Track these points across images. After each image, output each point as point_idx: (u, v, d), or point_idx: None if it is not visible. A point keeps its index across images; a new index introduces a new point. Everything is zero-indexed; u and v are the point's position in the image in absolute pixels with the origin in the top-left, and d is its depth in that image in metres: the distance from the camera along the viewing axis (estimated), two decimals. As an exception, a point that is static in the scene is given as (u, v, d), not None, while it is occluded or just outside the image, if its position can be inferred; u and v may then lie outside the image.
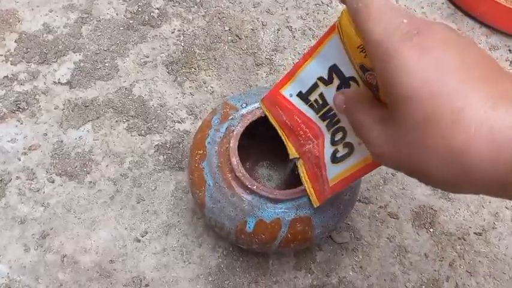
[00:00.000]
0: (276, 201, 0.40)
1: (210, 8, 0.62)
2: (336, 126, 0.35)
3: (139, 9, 0.61)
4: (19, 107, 0.54)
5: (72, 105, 0.54)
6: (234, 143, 0.41)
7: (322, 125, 0.36)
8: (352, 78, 0.32)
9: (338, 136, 0.35)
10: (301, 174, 0.39)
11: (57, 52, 0.57)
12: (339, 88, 0.33)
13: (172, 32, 0.60)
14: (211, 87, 0.58)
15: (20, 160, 0.51)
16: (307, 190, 0.39)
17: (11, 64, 0.56)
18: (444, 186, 0.23)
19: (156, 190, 0.50)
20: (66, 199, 0.49)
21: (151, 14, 0.61)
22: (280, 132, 0.40)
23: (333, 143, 0.35)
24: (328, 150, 0.36)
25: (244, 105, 0.44)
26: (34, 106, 0.54)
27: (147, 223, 0.49)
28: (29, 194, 0.49)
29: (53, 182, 0.50)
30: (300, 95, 0.36)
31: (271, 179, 0.52)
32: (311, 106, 0.36)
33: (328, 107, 0.35)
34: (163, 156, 0.52)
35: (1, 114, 0.53)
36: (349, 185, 0.35)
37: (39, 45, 0.58)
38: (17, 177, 0.50)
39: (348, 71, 0.32)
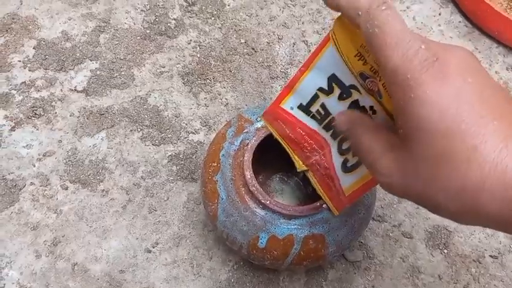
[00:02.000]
0: (289, 217, 0.40)
1: (227, 20, 0.63)
2: (342, 135, 0.35)
3: (157, 20, 0.62)
4: (35, 113, 0.54)
5: (87, 112, 0.55)
6: (248, 157, 0.41)
7: (327, 135, 0.36)
8: (353, 87, 0.32)
9: (346, 145, 0.35)
10: (315, 186, 0.39)
11: (74, 60, 0.58)
12: (340, 97, 0.33)
13: (188, 43, 0.61)
14: (226, 99, 0.58)
15: (34, 166, 0.51)
16: (325, 199, 0.38)
17: (29, 70, 0.57)
18: (451, 217, 0.23)
19: (168, 201, 0.50)
20: (78, 207, 0.49)
21: (168, 24, 0.62)
22: (285, 145, 0.39)
23: (341, 152, 0.35)
24: (337, 159, 0.36)
25: (259, 118, 0.44)
26: (50, 113, 0.54)
27: (158, 234, 0.49)
28: (42, 200, 0.49)
29: (66, 189, 0.50)
30: (300, 107, 0.36)
31: (284, 193, 0.52)
32: (313, 117, 0.36)
33: (331, 116, 0.34)
34: (176, 166, 0.52)
35: (18, 119, 0.53)
36: (366, 192, 0.35)
37: (57, 53, 0.58)
38: (31, 183, 0.50)
39: (348, 79, 0.32)
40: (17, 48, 0.58)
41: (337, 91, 0.33)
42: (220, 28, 0.62)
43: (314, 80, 0.34)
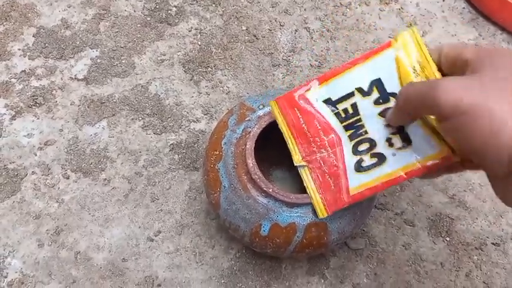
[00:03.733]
0: (291, 205, 0.40)
1: (228, 7, 0.62)
2: (361, 138, 0.35)
3: (157, 7, 0.61)
4: (36, 102, 0.54)
5: (88, 101, 0.54)
6: (250, 145, 0.41)
7: (344, 135, 0.36)
8: (393, 94, 0.33)
9: (363, 147, 0.35)
10: (306, 184, 0.38)
11: (74, 48, 0.57)
12: (376, 102, 0.34)
13: (189, 31, 0.60)
14: (227, 87, 0.57)
15: (36, 155, 0.51)
16: (313, 199, 0.38)
17: (29, 59, 0.56)
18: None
19: (170, 189, 0.50)
20: (80, 196, 0.49)
21: (169, 11, 0.61)
22: (287, 136, 0.38)
23: (356, 153, 0.35)
24: (350, 159, 0.35)
25: (261, 106, 0.44)
26: (51, 101, 0.54)
27: (161, 222, 0.49)
28: (44, 189, 0.49)
29: (68, 178, 0.50)
30: (327, 101, 0.36)
31: (286, 181, 0.51)
32: (336, 115, 0.36)
33: (357, 117, 0.35)
34: (178, 155, 0.52)
35: (18, 108, 0.53)
36: (377, 193, 0.35)
37: (57, 41, 0.58)
38: (33, 172, 0.50)
39: (392, 86, 0.33)
40: (17, 36, 0.57)
41: (375, 95, 0.34)
42: (221, 15, 0.61)
43: (356, 79, 0.34)
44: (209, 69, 0.58)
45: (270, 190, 0.39)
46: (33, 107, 0.53)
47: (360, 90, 0.34)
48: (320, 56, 0.60)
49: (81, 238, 0.47)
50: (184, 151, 0.52)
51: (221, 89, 0.57)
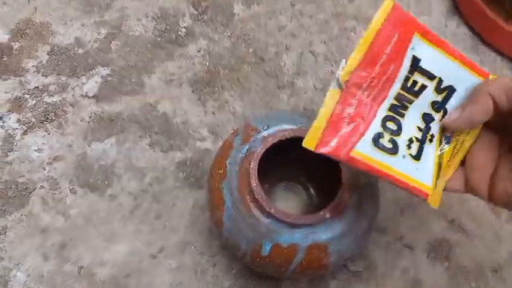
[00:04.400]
0: (293, 226, 0.41)
1: (236, 30, 0.64)
2: (397, 117, 0.33)
3: (168, 28, 0.63)
4: (47, 118, 0.55)
5: (97, 118, 0.56)
6: (254, 165, 0.42)
7: (391, 100, 0.33)
8: (445, 110, 0.34)
9: (391, 125, 0.33)
10: (324, 104, 0.32)
11: (86, 66, 0.59)
12: (433, 103, 0.34)
13: (198, 52, 0.62)
14: (233, 107, 0.59)
15: (45, 170, 0.52)
16: (314, 124, 0.32)
17: (42, 75, 0.58)
18: None
19: (174, 207, 0.51)
20: (86, 211, 0.50)
21: (179, 33, 0.63)
22: (364, 40, 0.31)
23: (383, 125, 0.32)
24: (376, 126, 0.32)
25: (266, 127, 0.45)
26: (62, 117, 0.56)
27: (164, 240, 0.50)
28: (51, 203, 0.51)
29: (75, 193, 0.51)
30: (415, 60, 0.32)
31: (288, 201, 0.52)
32: (405, 78, 0.33)
33: (412, 99, 0.33)
34: (183, 173, 0.53)
35: (30, 123, 0.55)
36: (369, 172, 0.32)
37: (70, 58, 0.59)
38: (41, 187, 0.51)
39: (452, 104, 0.34)
40: (31, 54, 0.59)
41: (439, 97, 0.34)
42: (229, 37, 0.63)
43: (447, 70, 0.33)
44: (216, 89, 0.60)
45: (272, 210, 0.40)
46: (45, 122, 0.55)
47: (439, 81, 0.33)
48: (324, 79, 0.61)
49: (85, 253, 0.48)
50: (189, 169, 0.54)
51: (227, 109, 0.59)
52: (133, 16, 0.63)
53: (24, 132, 0.54)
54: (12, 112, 0.55)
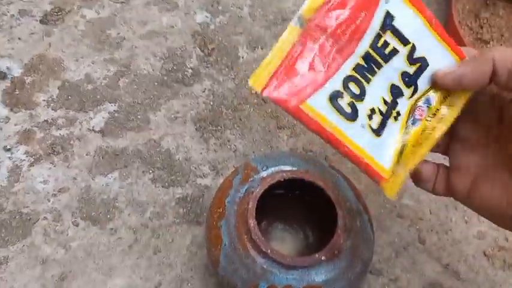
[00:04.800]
0: (288, 267, 0.42)
1: (240, 72, 0.66)
2: (361, 80, 0.29)
3: (175, 68, 0.66)
4: (54, 150, 0.57)
5: (103, 152, 0.58)
6: (252, 205, 0.43)
7: (357, 58, 0.29)
8: (418, 89, 0.31)
9: (353, 88, 0.29)
10: (279, 43, 0.27)
11: (94, 101, 0.62)
12: (404, 76, 0.30)
13: (203, 91, 0.64)
14: (235, 145, 0.60)
15: (49, 201, 0.54)
16: (265, 63, 0.27)
17: (52, 109, 0.60)
18: None
19: (173, 243, 0.52)
20: (87, 243, 0.51)
21: (185, 72, 0.66)
22: None
23: (344, 84, 0.28)
24: (336, 82, 0.28)
25: (265, 167, 0.47)
26: (68, 151, 0.57)
27: (162, 275, 0.50)
28: (53, 235, 0.52)
29: (77, 225, 0.53)
30: (388, 16, 0.29)
31: (284, 241, 0.53)
32: (376, 36, 0.29)
33: (381, 63, 0.29)
34: (183, 209, 0.55)
35: (37, 156, 0.57)
36: (318, 133, 0.29)
37: (79, 94, 0.62)
38: (44, 218, 0.53)
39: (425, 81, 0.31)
40: (43, 88, 0.62)
41: (412, 68, 0.30)
42: (233, 79, 0.66)
43: (424, 40, 0.30)
44: (219, 128, 0.62)
45: (269, 251, 0.41)
46: (51, 155, 0.57)
47: (412, 49, 0.29)
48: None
49: (84, 286, 0.49)
50: (189, 205, 0.55)
51: (229, 147, 0.60)
52: (142, 55, 0.66)
53: (31, 164, 0.56)
54: (21, 144, 0.57)
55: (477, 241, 0.55)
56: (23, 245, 0.51)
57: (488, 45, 0.66)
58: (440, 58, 0.30)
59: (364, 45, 0.28)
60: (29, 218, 0.52)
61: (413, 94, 0.30)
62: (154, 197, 0.55)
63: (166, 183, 0.56)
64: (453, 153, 0.35)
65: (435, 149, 0.34)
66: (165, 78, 0.65)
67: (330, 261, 0.42)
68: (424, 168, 0.35)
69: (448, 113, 0.31)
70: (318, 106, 0.27)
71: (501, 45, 0.67)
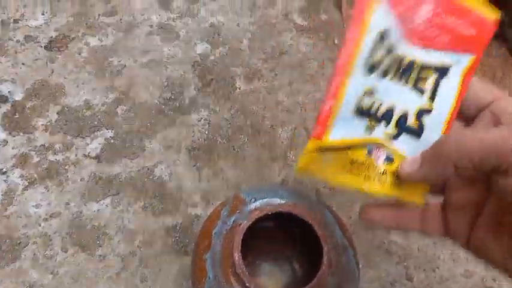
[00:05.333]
0: (271, 302, 0.42)
1: (236, 102, 0.68)
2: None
3: (172, 97, 0.67)
4: (49, 175, 0.58)
5: (96, 178, 0.59)
6: (238, 239, 0.44)
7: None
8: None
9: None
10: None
11: (92, 127, 0.63)
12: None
13: (199, 121, 0.66)
14: (227, 176, 0.61)
15: (40, 226, 0.54)
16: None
17: (50, 134, 0.62)
18: None
19: (160, 272, 0.52)
20: (75, 270, 0.52)
21: (183, 102, 0.67)
22: None
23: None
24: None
25: (253, 200, 0.47)
26: (62, 176, 0.58)
27: (147, 304, 0.50)
28: (42, 260, 0.52)
29: (66, 251, 0.53)
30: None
31: (273, 275, 0.53)
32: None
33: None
34: (172, 238, 0.55)
35: (32, 179, 0.58)
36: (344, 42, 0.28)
37: (78, 119, 0.63)
38: (34, 242, 0.53)
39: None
40: (42, 113, 0.63)
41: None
42: (229, 109, 0.67)
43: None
44: (212, 157, 0.63)
45: (252, 286, 0.42)
46: (46, 179, 0.58)
47: (427, 109, 0.29)
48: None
49: (68, 312, 0.49)
50: (178, 235, 0.55)
51: (221, 176, 0.61)
52: (141, 83, 0.68)
53: (25, 188, 0.57)
54: (17, 167, 0.58)
55: (464, 280, 0.54)
56: (11, 269, 0.51)
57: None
58: (432, 136, 0.29)
59: (420, 56, 0.28)
60: (19, 242, 0.53)
61: (389, 137, 0.30)
62: (144, 225, 0.56)
63: (157, 212, 0.57)
64: (449, 189, 0.32)
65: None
66: (163, 106, 0.66)
67: (314, 298, 0.42)
68: (372, 213, 0.33)
69: (389, 189, 0.30)
70: (374, 22, 0.27)
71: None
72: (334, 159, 0.29)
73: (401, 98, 0.29)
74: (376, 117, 0.29)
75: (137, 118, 0.65)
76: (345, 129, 0.28)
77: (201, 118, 0.66)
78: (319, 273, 0.42)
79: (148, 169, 0.60)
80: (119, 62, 0.70)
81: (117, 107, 0.65)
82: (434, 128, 0.29)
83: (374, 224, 0.34)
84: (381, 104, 0.29)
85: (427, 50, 0.28)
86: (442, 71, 0.28)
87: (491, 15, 0.28)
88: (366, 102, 0.28)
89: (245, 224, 0.45)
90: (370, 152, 0.30)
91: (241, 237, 0.44)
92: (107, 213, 0.56)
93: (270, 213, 0.45)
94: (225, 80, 0.70)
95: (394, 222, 0.33)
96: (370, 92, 0.28)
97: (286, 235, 0.51)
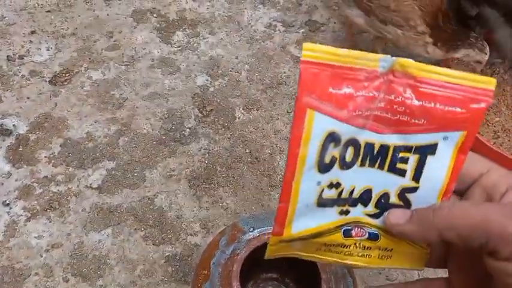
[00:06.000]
0: (270, 331, 0.42)
1: (236, 132, 0.69)
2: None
3: (173, 127, 0.69)
4: (51, 206, 0.59)
5: (98, 209, 0.60)
6: (236, 268, 0.44)
7: None
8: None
9: (349, 150, 0.26)
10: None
11: (94, 159, 0.64)
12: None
13: (199, 150, 0.67)
14: (227, 203, 0.62)
15: (41, 256, 0.55)
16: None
17: (53, 166, 0.63)
18: None
19: (160, 302, 0.53)
20: (75, 301, 0.52)
21: (183, 132, 0.69)
22: None
23: (349, 141, 0.26)
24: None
25: (252, 229, 0.48)
26: (64, 206, 0.59)
27: (146, 335, 0.50)
28: (43, 291, 0.53)
29: (67, 281, 0.53)
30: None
31: (273, 302, 0.53)
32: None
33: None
34: (172, 268, 0.55)
35: (34, 211, 0.59)
36: (290, 141, 0.26)
37: (80, 151, 0.65)
38: (36, 273, 0.54)
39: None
40: (45, 145, 0.65)
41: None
42: (229, 138, 0.69)
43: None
44: (212, 185, 0.64)
45: (251, 314, 0.42)
46: (48, 210, 0.59)
47: (413, 188, 0.27)
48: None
49: None
50: (178, 264, 0.56)
51: (220, 204, 0.62)
52: (142, 115, 0.70)
53: (28, 219, 0.58)
54: (20, 199, 0.59)
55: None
56: (13, 301, 0.52)
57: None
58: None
59: (392, 140, 0.26)
60: (21, 273, 0.53)
61: (372, 216, 0.28)
62: (145, 255, 0.56)
63: (157, 241, 0.57)
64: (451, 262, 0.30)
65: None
66: (164, 137, 0.68)
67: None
68: None
69: (375, 261, 0.29)
70: (316, 126, 0.25)
71: (494, 143, 0.68)
72: (305, 246, 0.28)
73: (377, 181, 0.27)
74: (349, 201, 0.27)
75: (138, 149, 0.66)
76: (308, 221, 0.27)
77: (201, 148, 0.67)
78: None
79: (148, 199, 0.61)
80: (121, 94, 0.72)
81: (119, 138, 0.67)
82: (425, 203, 0.27)
83: None
84: (353, 189, 0.27)
85: (399, 135, 0.26)
86: (424, 150, 0.27)
87: (483, 83, 0.25)
88: (331, 193, 0.27)
89: (243, 253, 0.45)
90: (348, 233, 0.28)
91: (240, 267, 0.44)
92: (108, 243, 0.57)
93: (267, 242, 0.46)
94: (225, 110, 0.71)
95: None
96: (334, 184, 0.27)
97: (286, 263, 0.52)
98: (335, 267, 0.46)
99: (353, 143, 0.26)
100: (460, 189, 0.28)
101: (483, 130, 0.71)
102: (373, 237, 0.28)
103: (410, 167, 0.27)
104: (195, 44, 0.79)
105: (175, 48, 0.78)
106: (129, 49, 0.77)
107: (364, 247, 0.28)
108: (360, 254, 0.28)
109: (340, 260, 0.29)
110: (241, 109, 0.72)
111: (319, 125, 0.25)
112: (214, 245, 0.48)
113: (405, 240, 0.28)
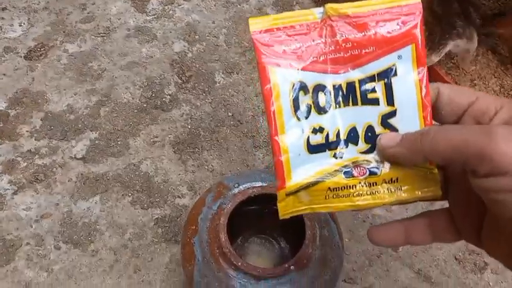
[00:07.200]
0: (259, 278, 0.43)
1: (217, 96, 0.70)
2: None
3: (153, 95, 0.69)
4: (37, 178, 0.59)
5: (84, 178, 0.60)
6: (223, 220, 0.45)
7: None
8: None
9: (321, 96, 0.28)
10: None
11: (76, 130, 0.64)
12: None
13: (181, 116, 0.67)
14: (212, 165, 0.63)
15: (31, 227, 0.56)
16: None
17: (35, 140, 0.63)
18: None
19: (152, 261, 0.54)
20: (69, 266, 0.53)
21: (164, 99, 0.69)
22: None
23: (316, 87, 0.28)
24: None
25: (237, 185, 0.49)
26: (50, 178, 0.60)
27: (141, 293, 0.52)
28: (36, 259, 0.53)
29: (59, 249, 0.54)
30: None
31: (262, 255, 0.55)
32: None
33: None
34: (161, 229, 0.57)
35: (20, 184, 0.59)
36: (263, 97, 0.29)
37: (62, 124, 0.65)
38: (27, 243, 0.55)
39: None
40: (26, 120, 0.65)
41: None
42: (210, 103, 0.69)
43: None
44: (196, 149, 0.64)
45: (239, 264, 0.43)
46: (34, 183, 0.59)
47: (391, 112, 0.29)
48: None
49: (65, 307, 0.51)
50: (167, 225, 0.57)
51: (206, 167, 0.63)
52: (122, 85, 0.69)
53: (15, 193, 0.58)
54: (5, 174, 0.59)
55: (448, 246, 0.57)
56: (7, 270, 0.53)
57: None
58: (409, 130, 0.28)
59: (354, 75, 0.28)
60: (12, 244, 0.54)
61: (366, 152, 0.29)
62: (134, 219, 0.57)
63: (145, 205, 0.58)
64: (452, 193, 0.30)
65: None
66: (144, 105, 0.68)
67: (300, 271, 0.44)
68: (379, 236, 0.31)
69: (386, 196, 0.29)
70: (281, 80, 0.28)
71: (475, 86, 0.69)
72: (311, 195, 0.29)
73: (357, 116, 0.29)
74: (339, 143, 0.29)
75: (120, 118, 0.66)
76: (306, 169, 0.29)
77: (183, 113, 0.68)
78: (302, 247, 0.44)
79: (134, 165, 0.62)
80: (99, 66, 0.71)
81: (100, 109, 0.67)
82: (409, 123, 0.29)
83: (383, 245, 0.34)
84: (338, 131, 0.29)
85: (358, 68, 0.28)
86: (386, 74, 0.28)
87: None
88: (317, 138, 0.28)
89: (229, 207, 0.46)
90: (349, 174, 0.29)
91: (227, 219, 0.45)
92: (96, 210, 0.57)
93: (252, 195, 0.47)
94: (204, 75, 0.72)
95: (404, 240, 0.31)
96: (318, 129, 0.28)
97: (272, 216, 0.53)
98: (318, 215, 0.48)
99: (321, 88, 0.29)
100: (453, 121, 0.28)
101: (460, 79, 0.73)
102: (374, 172, 0.29)
103: (380, 94, 0.28)
104: (170, 11, 0.78)
105: (151, 17, 0.77)
106: (103, 20, 0.76)
107: (370, 184, 0.29)
108: (368, 192, 0.29)
109: (352, 203, 0.29)
110: (221, 73, 0.72)
111: (283, 78, 0.28)
112: (201, 202, 0.49)
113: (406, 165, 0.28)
